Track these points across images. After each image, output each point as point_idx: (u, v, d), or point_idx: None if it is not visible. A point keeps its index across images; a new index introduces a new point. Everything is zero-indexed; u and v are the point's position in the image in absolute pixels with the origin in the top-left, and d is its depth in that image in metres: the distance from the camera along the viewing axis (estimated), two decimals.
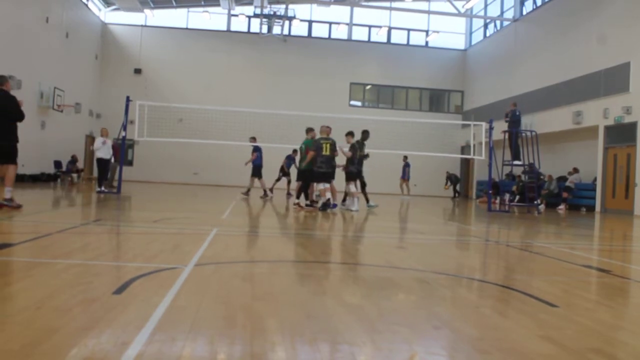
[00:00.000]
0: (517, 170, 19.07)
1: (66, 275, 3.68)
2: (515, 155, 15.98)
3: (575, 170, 19.89)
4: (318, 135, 12.23)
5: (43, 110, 20.98)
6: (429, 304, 3.38)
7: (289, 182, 18.50)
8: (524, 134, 16.79)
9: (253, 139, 16.76)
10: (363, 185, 13.62)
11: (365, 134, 13.15)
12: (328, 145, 11.72)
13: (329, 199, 11.78)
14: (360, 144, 13.00)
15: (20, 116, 8.26)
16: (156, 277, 3.71)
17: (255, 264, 4.67)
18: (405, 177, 22.49)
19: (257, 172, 16.41)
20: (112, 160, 15.99)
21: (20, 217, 7.67)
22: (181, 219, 9.16)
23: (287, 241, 6.88)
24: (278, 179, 18.38)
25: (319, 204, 11.75)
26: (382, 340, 2.50)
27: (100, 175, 15.74)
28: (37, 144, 19.52)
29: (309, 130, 12.89)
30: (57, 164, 22.01)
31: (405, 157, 22.04)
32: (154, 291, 3.26)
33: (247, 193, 16.43)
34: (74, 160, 22.18)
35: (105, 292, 3.13)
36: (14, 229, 6.49)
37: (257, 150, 16.44)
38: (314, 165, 11.81)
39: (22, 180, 18.79)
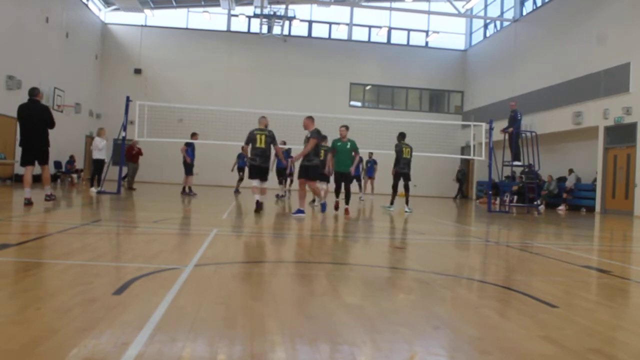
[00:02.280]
0: (519, 172, 19.08)
1: (66, 276, 3.68)
2: (516, 156, 15.98)
3: (570, 171, 19.95)
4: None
5: None
6: (429, 304, 3.38)
7: (240, 179, 19.02)
8: (524, 135, 16.79)
9: (194, 135, 16.72)
10: (405, 187, 13.45)
11: (402, 135, 13.47)
12: (263, 136, 10.31)
13: (258, 200, 10.33)
14: (400, 146, 13.25)
15: (54, 124, 9.51)
16: (156, 277, 3.71)
17: (255, 265, 4.67)
18: (372, 175, 20.80)
19: (188, 169, 16.65)
20: (107, 160, 16.13)
21: (20, 217, 7.68)
22: (181, 219, 9.17)
23: (287, 242, 6.87)
24: (241, 179, 18.94)
25: (256, 205, 10.24)
26: (382, 340, 2.50)
27: (94, 175, 15.88)
28: None
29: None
30: (57, 164, 21.98)
31: (371, 154, 20.35)
32: (154, 291, 3.26)
33: (189, 192, 16.36)
34: (72, 160, 22.17)
35: (105, 293, 3.13)
36: (14, 229, 6.48)
37: (187, 145, 16.56)
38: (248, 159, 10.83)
39: (22, 180, 18.74)
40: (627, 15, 17.86)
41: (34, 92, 9.55)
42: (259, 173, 10.33)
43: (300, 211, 9.89)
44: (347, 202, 11.34)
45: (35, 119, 9.27)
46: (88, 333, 2.34)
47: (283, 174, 16.79)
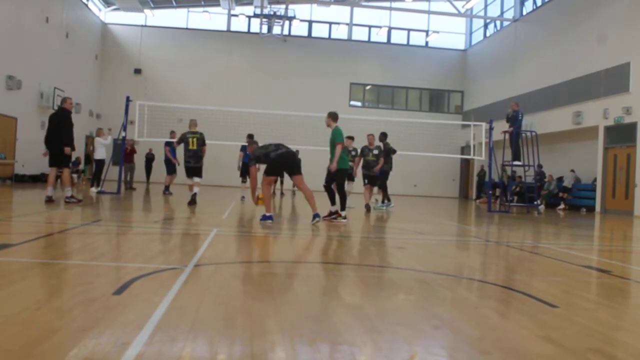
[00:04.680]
0: (519, 172, 19.08)
1: (66, 276, 3.68)
2: (515, 156, 15.98)
3: (572, 171, 19.98)
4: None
5: (43, 111, 20.93)
6: (429, 304, 3.38)
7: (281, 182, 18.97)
8: (524, 135, 16.79)
9: (172, 133, 16.80)
10: (382, 185, 13.71)
11: (385, 135, 13.85)
12: (195, 139, 11.91)
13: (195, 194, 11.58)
14: (389, 145, 13.60)
15: (65, 129, 10.12)
16: (156, 277, 3.71)
17: (255, 265, 4.67)
18: None
19: (172, 168, 16.78)
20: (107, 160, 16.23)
21: (20, 217, 7.68)
22: (181, 219, 9.16)
23: (287, 242, 6.87)
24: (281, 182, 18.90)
25: (190, 200, 11.37)
26: (382, 340, 2.50)
27: (95, 175, 15.94)
28: (37, 144, 19.50)
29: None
30: None
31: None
32: (154, 291, 3.26)
33: (165, 191, 16.32)
34: (77, 162, 22.14)
35: (105, 293, 3.13)
36: (14, 229, 6.48)
37: (168, 145, 16.55)
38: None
39: (22, 180, 18.79)
40: (627, 15, 17.85)
41: (61, 102, 10.49)
42: (196, 173, 12.06)
43: (267, 217, 8.23)
44: (332, 203, 9.46)
45: (54, 125, 10.09)
46: (88, 333, 2.34)
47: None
